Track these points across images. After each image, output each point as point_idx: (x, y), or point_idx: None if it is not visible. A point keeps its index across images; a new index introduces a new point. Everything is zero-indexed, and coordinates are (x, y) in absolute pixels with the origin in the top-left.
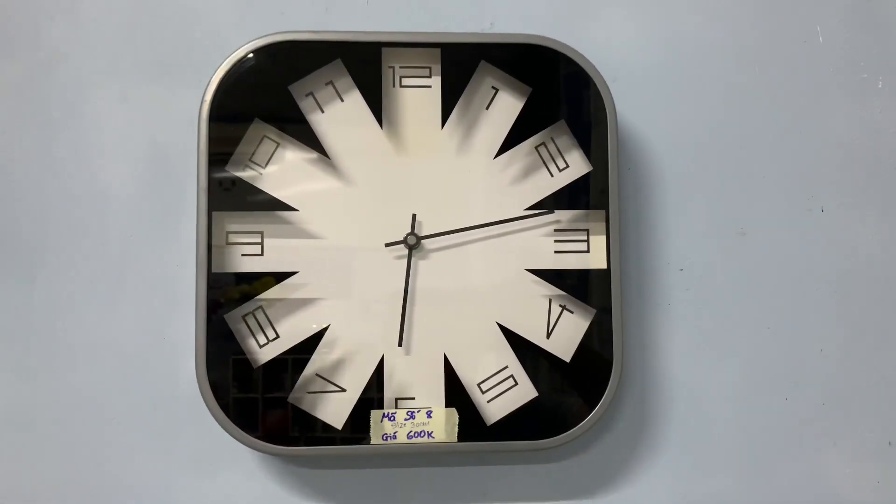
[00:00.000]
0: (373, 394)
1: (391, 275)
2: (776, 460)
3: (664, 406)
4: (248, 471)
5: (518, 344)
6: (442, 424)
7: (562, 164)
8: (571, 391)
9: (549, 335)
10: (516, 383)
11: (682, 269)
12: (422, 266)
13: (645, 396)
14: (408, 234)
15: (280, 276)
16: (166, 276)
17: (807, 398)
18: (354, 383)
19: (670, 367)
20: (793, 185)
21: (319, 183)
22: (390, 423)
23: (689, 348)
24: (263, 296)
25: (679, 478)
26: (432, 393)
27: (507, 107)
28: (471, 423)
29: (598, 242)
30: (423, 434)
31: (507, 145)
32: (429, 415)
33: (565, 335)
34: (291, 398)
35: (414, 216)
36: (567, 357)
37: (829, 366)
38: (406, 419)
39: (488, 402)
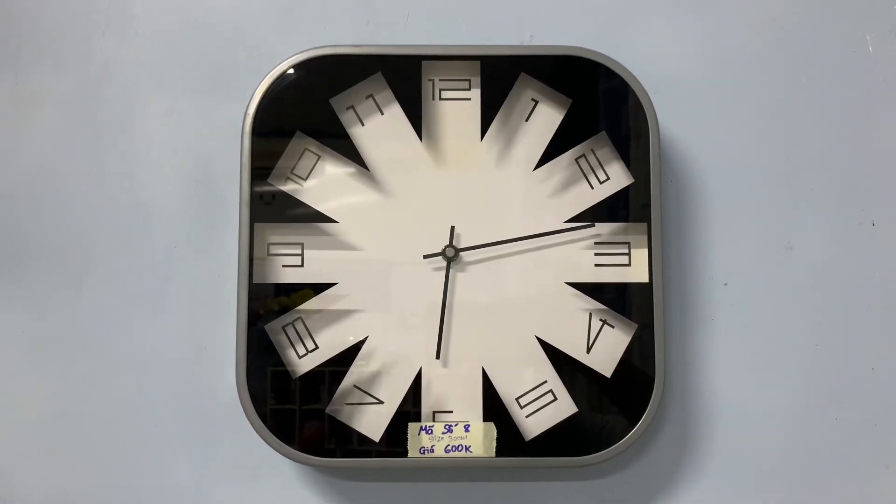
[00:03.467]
0: (410, 407)
1: (429, 287)
2: (825, 483)
3: (707, 424)
4: (285, 481)
5: (557, 358)
6: (480, 439)
7: (602, 177)
8: (612, 407)
9: (589, 350)
10: (555, 398)
11: (726, 284)
12: (460, 278)
13: (687, 414)
14: (446, 247)
15: (319, 288)
16: (208, 287)
17: (857, 419)
18: (392, 395)
19: (714, 385)
20: (842, 198)
21: (359, 195)
22: (428, 436)
23: (733, 365)
24: (303, 307)
25: (723, 499)
26: (470, 406)
27: (546, 119)
28: (509, 438)
29: (640, 256)
30: (460, 448)
31: (546, 157)
32: (466, 429)
33: (606, 350)
34: (329, 409)
35: (452, 228)
36: (608, 372)
37: (881, 385)
38: (444, 433)
39: (527, 417)
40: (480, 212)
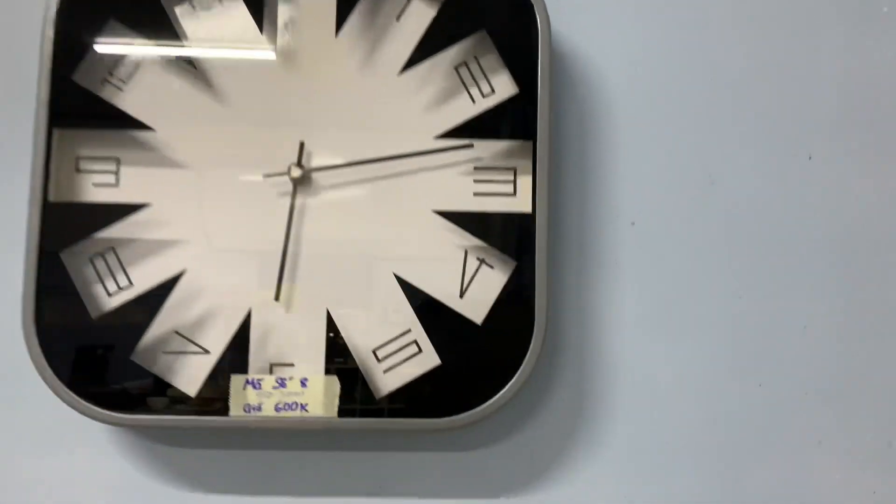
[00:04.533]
0: (238, 357)
1: (270, 215)
2: (747, 462)
3: (607, 388)
4: (97, 446)
5: (424, 303)
6: (319, 395)
7: (486, 89)
8: (483, 361)
9: (462, 294)
10: (420, 350)
11: (633, 224)
12: (309, 206)
13: (583, 375)
14: (292, 166)
15: (132, 210)
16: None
17: (787, 386)
18: (218, 344)
19: (616, 341)
20: (775, 127)
21: (188, 101)
22: (255, 391)
23: (641, 319)
24: (111, 234)
25: (623, 479)
26: (314, 359)
27: (419, 15)
28: (357, 397)
29: (527, 184)
30: (294, 406)
31: (416, 59)
32: (303, 383)
33: (482, 295)
34: (140, 358)
35: (302, 144)
36: (479, 319)
37: (815, 346)
38: (275, 387)
39: (385, 372)
40: (337, 125)
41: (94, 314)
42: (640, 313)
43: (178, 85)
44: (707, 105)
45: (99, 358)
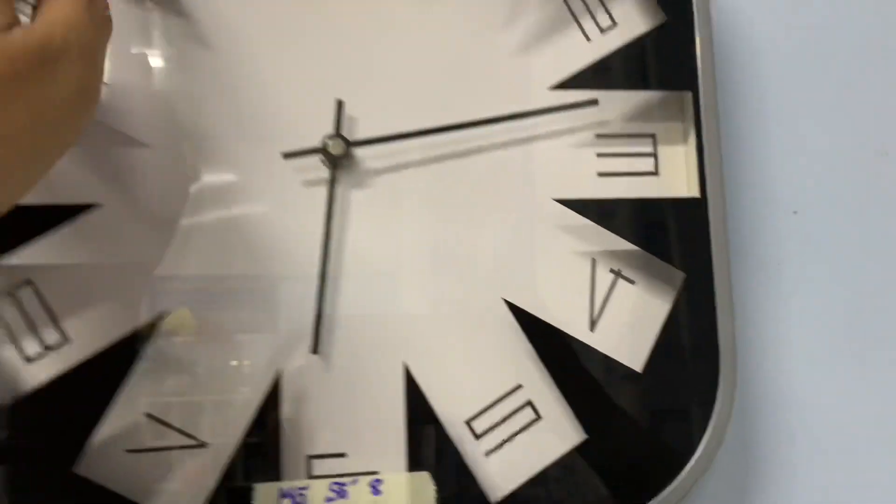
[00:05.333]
0: (258, 451)
1: (296, 216)
2: None
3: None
4: None
5: (541, 341)
6: None
7: (605, 21)
8: (651, 427)
9: (593, 324)
10: (538, 417)
11: (795, 213)
12: (355, 200)
13: (762, 430)
14: (328, 138)
15: (67, 215)
16: None
17: None
18: (221, 431)
19: (789, 375)
20: None
21: (151, 37)
22: None
23: (812, 341)
24: (28, 258)
25: None
26: (381, 444)
27: None
28: (460, 501)
29: (675, 156)
30: None
31: None
32: (375, 489)
33: (624, 322)
34: (89, 468)
35: (340, 104)
36: (637, 364)
37: None
38: (331, 500)
39: (486, 454)
40: (390, 78)
41: (4, 396)
42: (810, 334)
43: (146, 28)
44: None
45: (18, 474)
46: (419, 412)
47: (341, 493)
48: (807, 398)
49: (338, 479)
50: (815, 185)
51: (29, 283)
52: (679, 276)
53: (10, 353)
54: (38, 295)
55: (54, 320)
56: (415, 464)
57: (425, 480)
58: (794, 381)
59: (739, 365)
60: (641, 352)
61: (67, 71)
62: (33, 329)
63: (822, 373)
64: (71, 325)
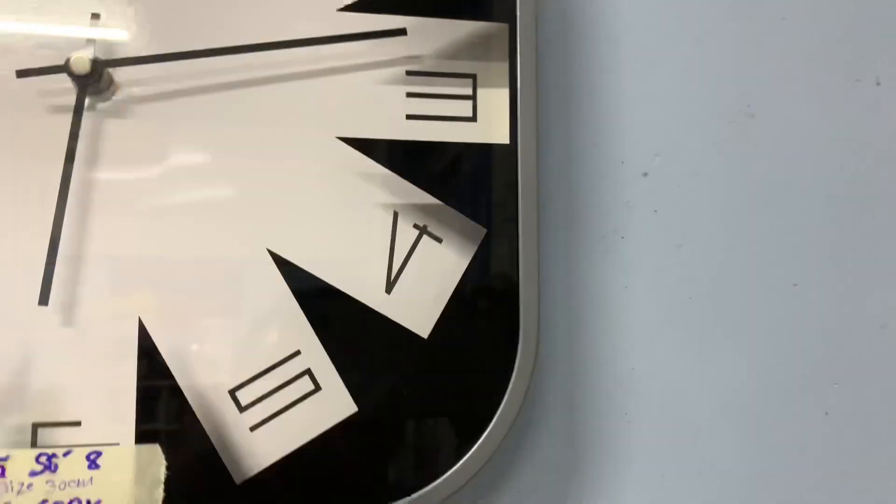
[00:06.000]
0: None
1: (32, 148)
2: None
3: (614, 422)
4: None
5: (322, 302)
6: (124, 484)
7: None
8: (433, 403)
9: (390, 286)
10: (317, 388)
11: (646, 174)
12: (109, 130)
13: (573, 407)
14: (75, 56)
15: None
16: None
17: (859, 407)
18: None
19: (629, 352)
20: (833, 46)
21: None
22: None
23: (656, 316)
24: None
25: None
26: (118, 414)
27: None
28: (205, 480)
29: (495, 99)
30: None
31: None
32: (93, 462)
33: (424, 286)
34: None
35: (96, 17)
36: (424, 330)
37: None
38: (36, 474)
39: (252, 429)
40: None
41: None
42: (654, 308)
43: None
44: (748, 19)
45: None
46: (155, 377)
47: (49, 466)
48: (639, 378)
49: (45, 451)
50: (671, 144)
51: None
52: (481, 231)
53: None
54: None
55: None
56: (150, 435)
57: (154, 453)
58: (623, 358)
59: (551, 338)
60: (432, 317)
61: None
62: None
63: (661, 351)
64: None
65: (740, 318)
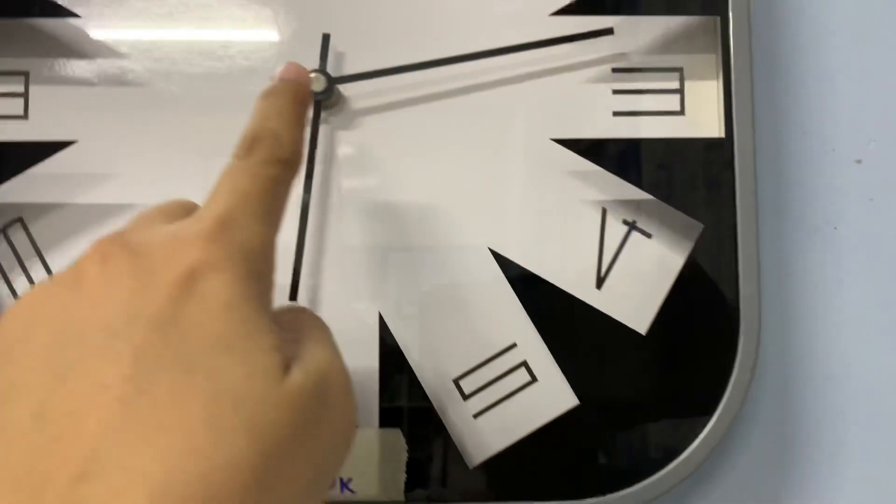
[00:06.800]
0: None
1: None
2: None
3: (830, 421)
4: None
5: (538, 298)
6: (371, 466)
7: None
8: (653, 397)
9: (600, 281)
10: (533, 379)
11: (859, 161)
12: (342, 142)
13: (787, 405)
14: (313, 72)
15: (48, 151)
16: None
17: None
18: None
19: (845, 348)
20: None
21: None
22: None
23: (874, 311)
24: (15, 195)
25: None
26: (360, 397)
27: None
28: (439, 464)
29: (705, 92)
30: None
31: None
32: None
33: (636, 281)
34: None
35: (326, 38)
36: (642, 326)
37: None
38: None
39: (475, 416)
40: (378, 9)
41: None
42: (872, 305)
43: None
44: None
45: None
46: (394, 366)
47: None
48: (855, 375)
49: None
50: (886, 129)
51: (20, 222)
52: (697, 227)
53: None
54: (27, 231)
55: (41, 259)
56: (389, 421)
57: (396, 437)
58: (838, 354)
59: (767, 334)
60: (648, 313)
61: (338, 408)
62: (22, 266)
63: (878, 348)
64: (57, 264)
65: None
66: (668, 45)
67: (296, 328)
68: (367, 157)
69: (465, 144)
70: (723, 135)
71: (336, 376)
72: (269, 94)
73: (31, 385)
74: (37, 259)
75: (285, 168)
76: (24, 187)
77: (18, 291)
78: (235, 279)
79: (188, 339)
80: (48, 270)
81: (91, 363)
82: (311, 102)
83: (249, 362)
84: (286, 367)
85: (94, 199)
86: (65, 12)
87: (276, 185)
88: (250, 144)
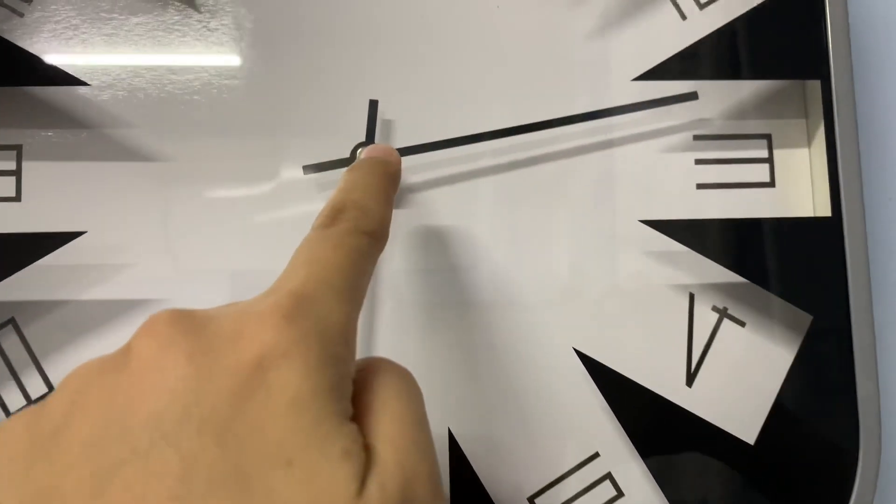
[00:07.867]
0: None
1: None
2: None
3: None
4: None
5: (622, 399)
6: None
7: None
8: None
9: (690, 378)
10: (619, 493)
11: None
12: (399, 224)
13: None
14: (359, 147)
15: (55, 243)
16: None
17: None
18: None
19: None
20: None
21: (153, 22)
22: None
23: None
24: (8, 293)
25: None
26: None
27: None
28: None
29: (797, 161)
30: None
31: None
32: None
33: (730, 377)
34: None
35: (374, 105)
36: (750, 435)
37: None
38: None
39: None
40: (433, 75)
41: None
42: None
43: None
44: None
45: None
46: (463, 481)
47: None
48: None
49: None
50: None
51: (11, 322)
52: (804, 318)
53: None
54: (19, 334)
55: (37, 366)
56: None
57: None
58: None
59: (887, 439)
60: (755, 417)
61: None
62: (14, 376)
63: None
64: (54, 372)
65: None
66: (754, 109)
67: (369, 397)
68: (421, 239)
69: (531, 225)
70: (828, 213)
71: (422, 487)
72: (355, 168)
73: (67, 493)
74: (33, 367)
75: (371, 241)
76: (17, 283)
77: (11, 407)
78: (308, 370)
79: (246, 448)
80: (46, 380)
81: (134, 472)
82: (398, 181)
83: (314, 482)
84: (360, 480)
85: (101, 294)
86: (73, 80)
87: (361, 258)
88: (334, 214)
